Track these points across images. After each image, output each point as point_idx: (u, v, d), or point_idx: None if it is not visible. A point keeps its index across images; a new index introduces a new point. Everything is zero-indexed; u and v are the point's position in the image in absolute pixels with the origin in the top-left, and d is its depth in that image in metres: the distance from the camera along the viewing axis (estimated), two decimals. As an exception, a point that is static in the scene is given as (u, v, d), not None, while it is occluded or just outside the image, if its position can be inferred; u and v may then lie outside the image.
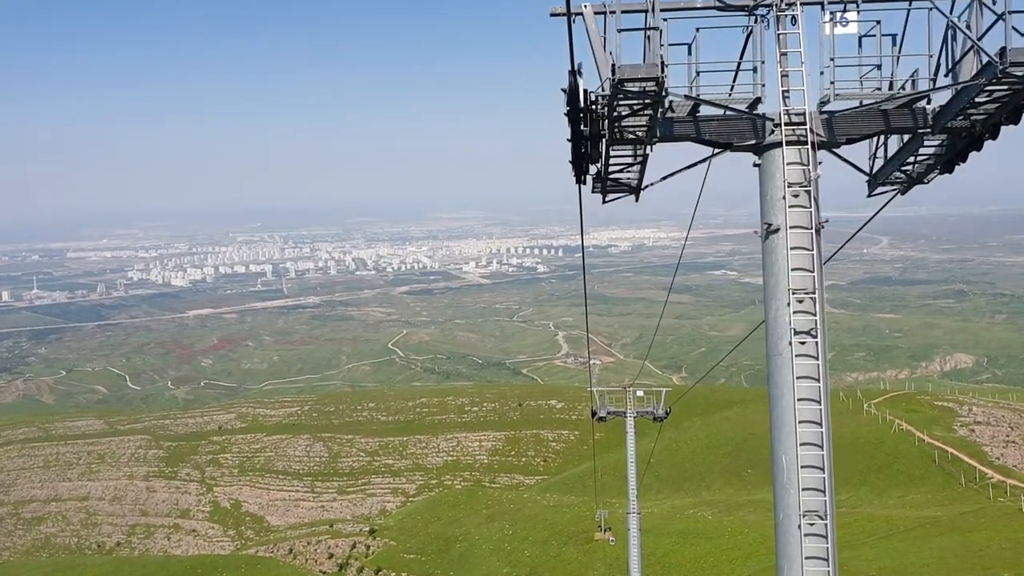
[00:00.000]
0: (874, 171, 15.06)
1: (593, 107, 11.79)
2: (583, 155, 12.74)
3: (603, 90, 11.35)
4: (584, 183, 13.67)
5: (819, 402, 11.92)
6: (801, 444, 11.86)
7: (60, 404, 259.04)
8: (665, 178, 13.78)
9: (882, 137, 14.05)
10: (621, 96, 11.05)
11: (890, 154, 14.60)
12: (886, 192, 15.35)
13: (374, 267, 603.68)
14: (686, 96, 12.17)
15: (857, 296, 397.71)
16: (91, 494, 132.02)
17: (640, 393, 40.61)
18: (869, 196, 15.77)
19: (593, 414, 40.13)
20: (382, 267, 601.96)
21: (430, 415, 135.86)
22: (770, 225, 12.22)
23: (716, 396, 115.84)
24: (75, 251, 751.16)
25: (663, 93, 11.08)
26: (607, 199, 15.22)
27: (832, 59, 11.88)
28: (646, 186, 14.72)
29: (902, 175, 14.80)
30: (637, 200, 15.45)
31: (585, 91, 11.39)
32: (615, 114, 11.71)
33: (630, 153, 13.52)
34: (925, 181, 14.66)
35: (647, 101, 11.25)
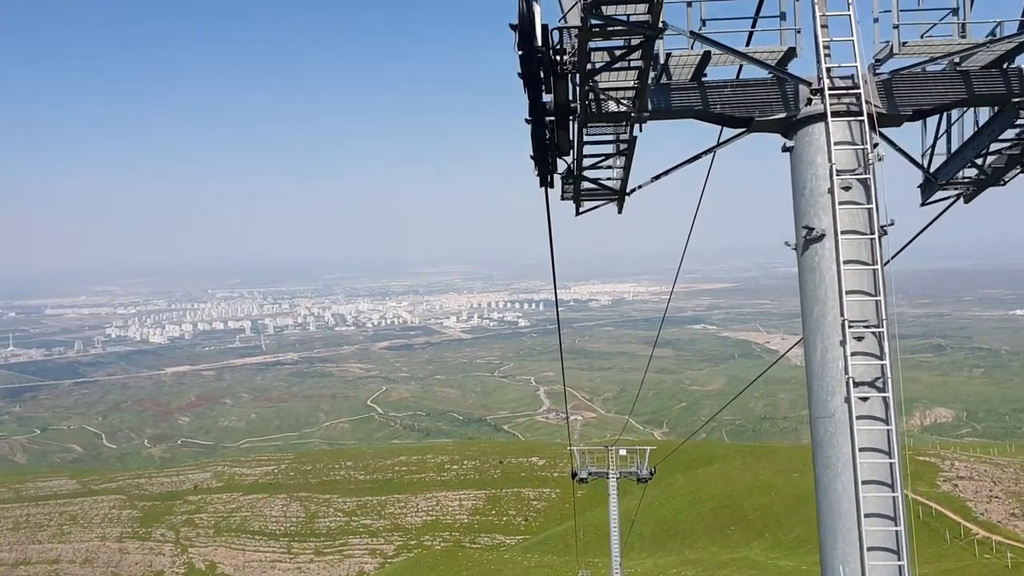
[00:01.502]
0: (933, 165, 11.40)
1: (558, 56, 8.49)
2: (546, 140, 9.56)
3: (569, 21, 8.03)
4: (551, 185, 10.26)
5: (891, 487, 8.46)
6: (869, 549, 8.33)
7: (34, 463, 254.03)
8: (659, 177, 10.57)
9: (948, 116, 10.67)
10: (597, 29, 7.69)
11: (954, 140, 11.07)
12: (945, 199, 11.76)
13: (354, 323, 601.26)
14: (692, 33, 8.95)
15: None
16: (62, 557, 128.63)
17: (623, 452, 38.88)
18: (924, 204, 12.07)
19: (574, 475, 38.08)
20: (362, 323, 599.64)
21: (409, 473, 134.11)
22: (811, 230, 8.83)
23: (698, 452, 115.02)
24: (53, 308, 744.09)
25: (658, 27, 7.80)
26: (581, 208, 11.80)
27: None
28: (632, 190, 11.23)
29: (974, 171, 11.18)
30: (620, 211, 11.88)
31: (545, 27, 8.04)
32: (589, 66, 8.47)
33: (611, 137, 10.42)
34: (1002, 181, 11.14)
35: (634, 41, 8.06)
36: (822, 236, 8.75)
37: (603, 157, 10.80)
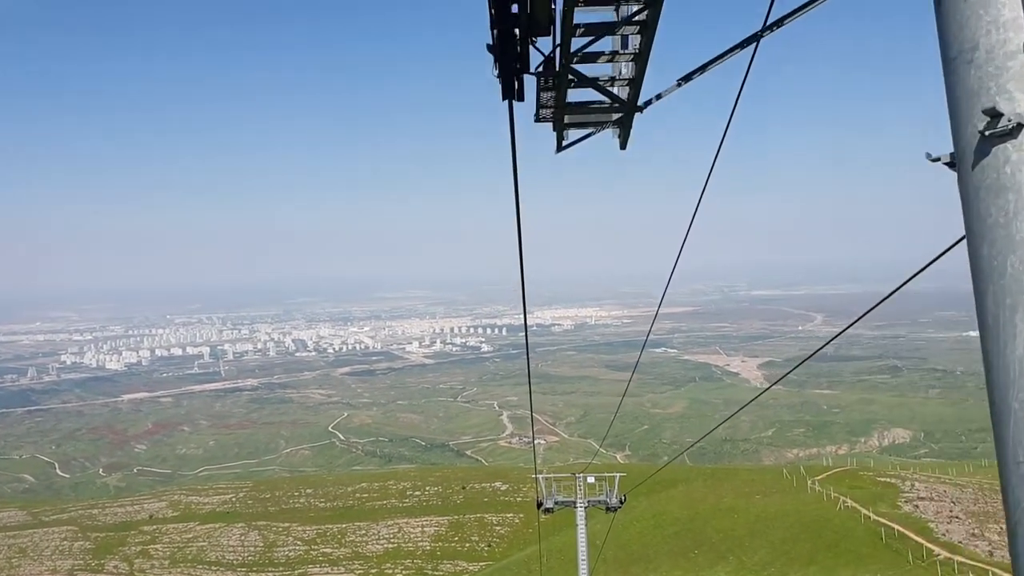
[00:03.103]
0: None
1: None
2: (512, 11, 5.84)
3: None
4: (519, 97, 6.57)
5: None
6: None
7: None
8: (688, 79, 7.14)
9: None
10: None
11: None
12: None
13: (315, 348, 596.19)
14: None
15: (794, 372, 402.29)
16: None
17: (591, 480, 36.44)
18: None
19: (539, 505, 35.66)
20: (323, 348, 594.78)
21: (371, 500, 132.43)
22: (995, 118, 4.24)
23: (661, 475, 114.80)
24: (6, 334, 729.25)
25: None
26: (566, 140, 8.31)
27: None
28: (648, 102, 7.62)
29: None
30: (624, 144, 8.15)
31: None
32: None
33: (611, 14, 6.81)
34: None
35: None
36: (1019, 128, 4.29)
37: (602, 35, 6.90)
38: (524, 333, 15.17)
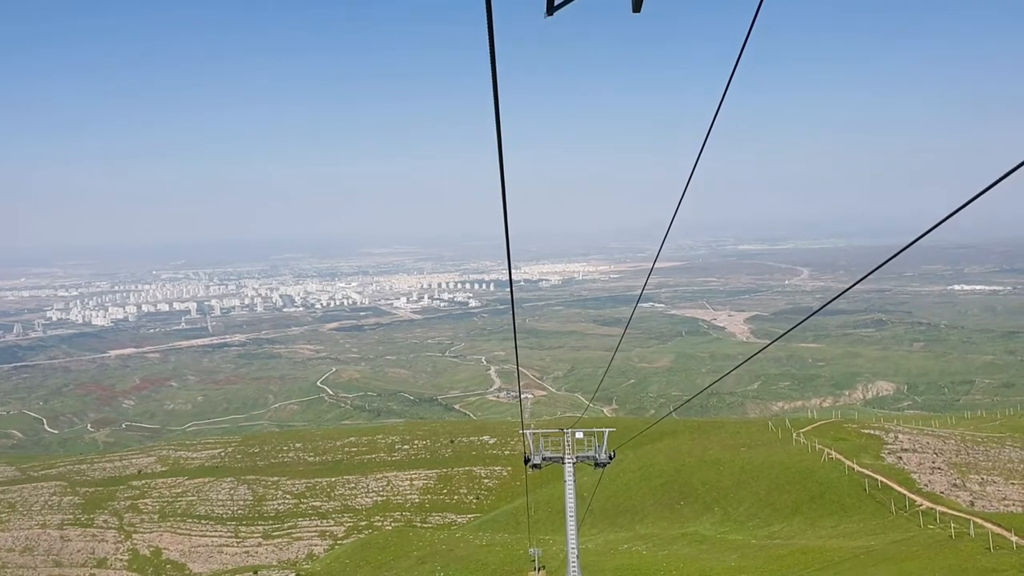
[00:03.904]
0: None
1: None
2: None
3: None
4: None
5: None
6: None
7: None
8: None
9: None
10: None
11: None
12: None
13: (302, 304, 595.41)
14: None
15: (780, 326, 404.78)
16: (1, 545, 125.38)
17: (580, 435, 34.71)
18: None
19: (526, 461, 34.35)
20: (310, 303, 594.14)
21: (359, 454, 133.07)
22: None
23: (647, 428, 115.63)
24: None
25: None
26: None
27: None
28: None
29: None
30: (638, 8, 6.92)
31: None
32: None
33: None
34: None
35: None
36: None
37: None
38: (509, 287, 14.73)
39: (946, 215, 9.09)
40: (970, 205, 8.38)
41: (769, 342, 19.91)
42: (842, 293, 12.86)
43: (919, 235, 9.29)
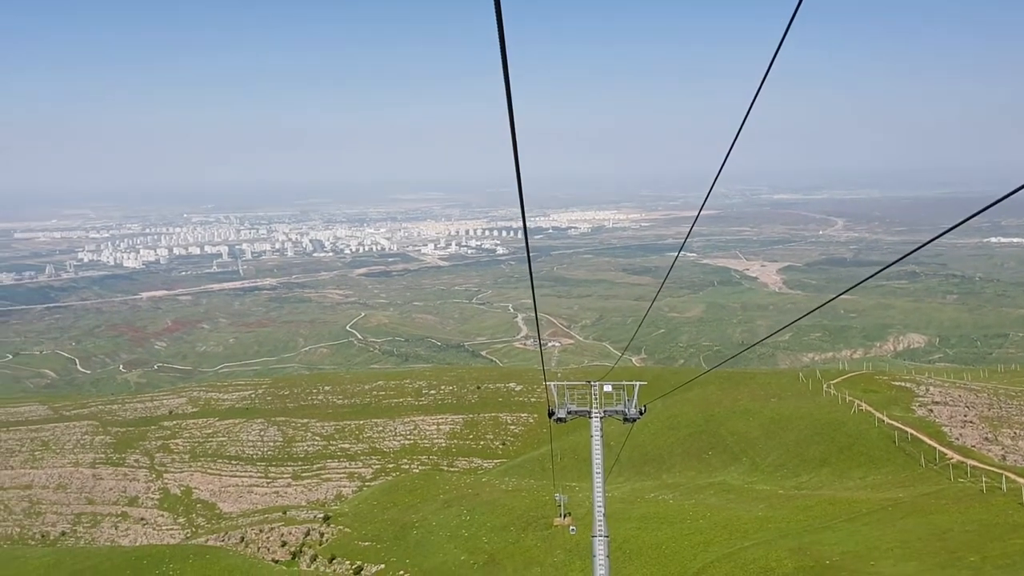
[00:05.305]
0: None
1: None
2: None
3: None
4: None
5: None
6: None
7: (6, 389, 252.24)
8: None
9: None
10: None
11: None
12: None
13: (332, 249, 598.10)
14: None
15: (813, 277, 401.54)
16: (35, 482, 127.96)
17: (608, 388, 32.15)
18: None
19: (551, 414, 32.30)
20: (340, 249, 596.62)
21: (387, 398, 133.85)
22: None
23: (676, 378, 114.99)
24: (23, 231, 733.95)
25: None
26: None
27: None
28: None
29: None
30: None
31: None
32: None
33: None
34: None
35: None
36: None
37: None
38: (523, 231, 13.69)
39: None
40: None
41: (835, 295, 18.86)
42: (921, 246, 11.84)
43: (1013, 190, 8.03)
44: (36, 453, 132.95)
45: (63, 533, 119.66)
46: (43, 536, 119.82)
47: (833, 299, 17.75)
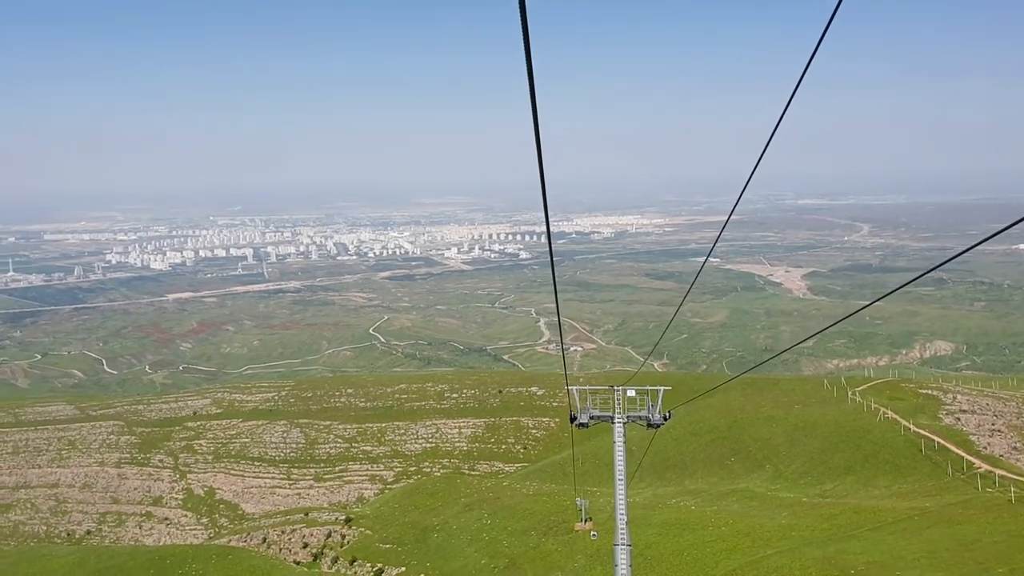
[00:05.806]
0: None
1: None
2: None
3: None
4: None
5: None
6: None
7: (35, 388, 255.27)
8: None
9: None
10: None
11: None
12: None
13: (356, 252, 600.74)
14: None
15: (838, 283, 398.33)
16: (61, 481, 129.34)
17: (632, 393, 31.64)
18: None
19: (572, 419, 31.70)
20: (364, 252, 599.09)
21: (409, 401, 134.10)
22: None
23: (699, 384, 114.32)
24: (52, 233, 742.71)
25: None
26: None
27: None
28: None
29: None
30: None
31: None
32: None
33: None
34: None
35: None
36: None
37: None
38: (547, 235, 13.64)
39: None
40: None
41: (869, 303, 18.70)
42: (959, 254, 11.64)
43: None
44: (63, 452, 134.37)
45: (88, 532, 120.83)
46: (68, 535, 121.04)
47: (865, 307, 17.55)
